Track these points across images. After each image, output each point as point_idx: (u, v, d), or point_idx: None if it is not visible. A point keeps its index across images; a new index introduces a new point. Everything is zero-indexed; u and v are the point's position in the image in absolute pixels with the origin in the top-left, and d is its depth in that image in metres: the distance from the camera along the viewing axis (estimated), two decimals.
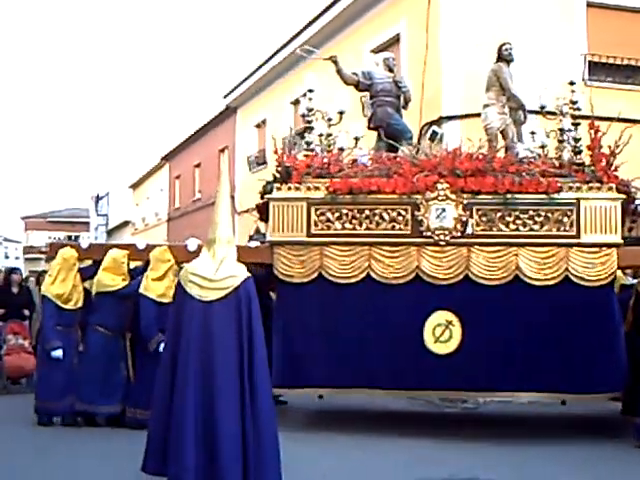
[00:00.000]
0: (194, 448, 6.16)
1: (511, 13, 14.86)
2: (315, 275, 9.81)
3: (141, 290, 9.77)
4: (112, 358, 9.93)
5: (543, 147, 10.45)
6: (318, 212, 9.88)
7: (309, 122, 10.67)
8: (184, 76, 75.28)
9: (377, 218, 9.80)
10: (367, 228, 9.81)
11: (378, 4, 17.47)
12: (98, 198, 53.47)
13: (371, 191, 9.76)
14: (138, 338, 9.85)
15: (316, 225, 9.88)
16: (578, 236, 9.55)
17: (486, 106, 10.85)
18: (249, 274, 6.63)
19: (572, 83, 10.51)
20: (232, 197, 27.04)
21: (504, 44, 11.00)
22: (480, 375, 9.53)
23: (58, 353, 9.86)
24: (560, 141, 10.36)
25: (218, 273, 6.52)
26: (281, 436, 6.49)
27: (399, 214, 9.77)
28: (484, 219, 9.67)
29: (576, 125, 10.26)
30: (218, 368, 6.31)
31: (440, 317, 9.60)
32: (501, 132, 10.81)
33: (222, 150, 29.46)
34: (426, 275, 9.65)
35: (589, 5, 15.37)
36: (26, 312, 13.72)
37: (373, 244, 9.75)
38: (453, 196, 9.65)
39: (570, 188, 9.62)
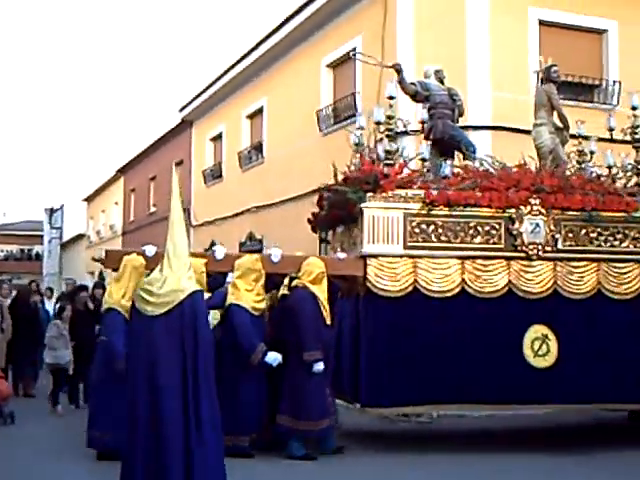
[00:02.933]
0: (142, 464, 6.13)
1: (466, 29, 14.97)
2: (410, 289, 9.53)
3: (233, 300, 9.14)
4: None
5: (610, 168, 10.87)
6: (414, 223, 9.63)
7: (390, 130, 10.26)
8: (140, 89, 75.05)
9: (472, 231, 9.73)
10: (462, 241, 9.71)
11: (335, 19, 17.54)
12: (52, 211, 52.86)
13: (467, 204, 9.68)
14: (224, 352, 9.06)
15: (411, 237, 9.62)
16: None
17: (537, 125, 11.02)
18: (198, 288, 6.53)
19: (634, 108, 10.92)
20: (187, 210, 27.06)
21: (552, 66, 11.20)
22: (578, 388, 9.59)
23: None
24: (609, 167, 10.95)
25: (163, 287, 6.39)
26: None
27: (493, 228, 9.80)
28: (570, 235, 9.97)
29: (638, 149, 10.79)
30: (162, 385, 6.22)
31: (537, 331, 9.68)
32: (550, 151, 10.95)
33: (178, 163, 29.30)
34: (518, 289, 9.72)
35: (541, 23, 15.56)
36: None
37: (467, 257, 9.68)
38: (544, 212, 9.85)
39: None
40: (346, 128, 12.17)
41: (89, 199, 46.64)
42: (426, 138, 10.99)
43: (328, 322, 9.15)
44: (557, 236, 9.89)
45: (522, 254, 9.76)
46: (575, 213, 9.97)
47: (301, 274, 9.33)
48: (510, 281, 9.71)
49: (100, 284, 15.42)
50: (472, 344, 9.49)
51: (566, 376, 9.58)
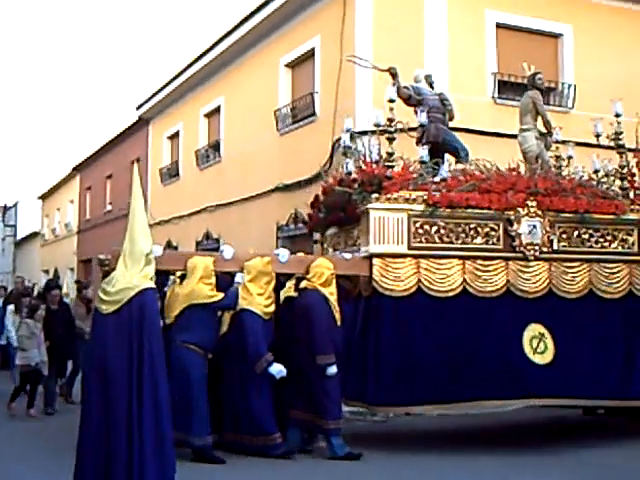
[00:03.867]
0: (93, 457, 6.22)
1: (424, 31, 15.06)
2: (414, 289, 9.65)
3: (245, 305, 9.12)
4: (202, 380, 8.87)
5: (597, 172, 11.21)
6: (417, 224, 9.78)
7: (391, 132, 10.30)
8: (96, 86, 74.41)
9: (472, 232, 9.96)
10: (463, 242, 9.92)
11: (294, 18, 17.53)
12: (6, 208, 52.34)
13: (469, 205, 9.88)
14: (234, 358, 9.17)
15: (415, 237, 9.76)
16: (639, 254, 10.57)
17: (524, 130, 11.23)
18: (150, 286, 6.51)
19: (617, 115, 11.13)
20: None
21: (537, 73, 11.40)
22: (574, 383, 9.80)
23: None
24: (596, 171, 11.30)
25: (115, 286, 6.45)
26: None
27: (492, 229, 10.04)
28: (564, 236, 10.31)
29: (621, 154, 11.06)
30: (110, 382, 6.27)
31: (534, 330, 9.89)
32: (536, 156, 11.16)
33: (134, 162, 29.10)
34: (516, 289, 9.96)
35: (498, 26, 15.70)
36: None
37: (468, 258, 9.87)
38: (541, 213, 10.14)
39: (632, 210, 10.62)
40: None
41: (44, 197, 46.13)
42: (419, 141, 11.10)
43: (339, 323, 9.22)
44: (552, 237, 10.21)
45: (520, 254, 10.03)
46: (569, 215, 10.29)
47: (311, 276, 9.36)
48: (508, 281, 9.95)
49: (55, 284, 15.15)
50: (474, 343, 9.63)
51: (564, 372, 9.79)
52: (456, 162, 11.02)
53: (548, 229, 10.16)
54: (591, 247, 10.39)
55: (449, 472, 8.62)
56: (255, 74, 19.44)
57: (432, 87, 11.63)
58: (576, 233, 10.35)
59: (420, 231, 9.76)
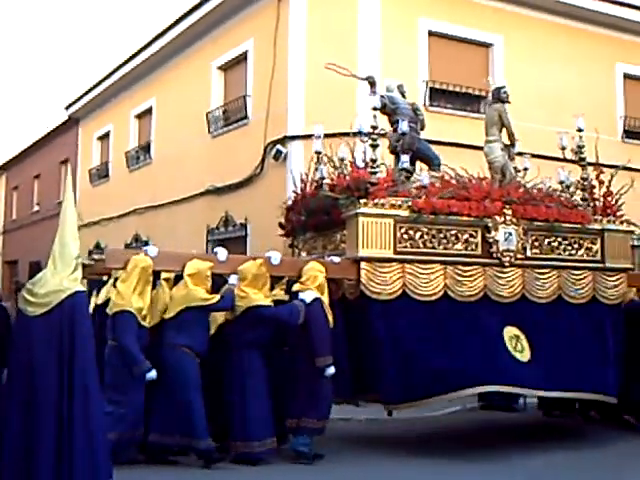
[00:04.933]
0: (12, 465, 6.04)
1: (357, 37, 15.12)
2: (399, 292, 9.80)
3: (259, 302, 9.05)
4: (199, 382, 8.76)
5: (561, 183, 11.53)
6: (402, 230, 9.94)
7: (374, 139, 10.37)
8: (24, 84, 73.07)
9: (453, 239, 10.18)
10: (444, 248, 10.12)
11: (227, 21, 17.47)
12: None
13: (451, 212, 10.09)
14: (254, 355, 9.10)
15: (400, 242, 9.91)
16: (603, 262, 11.02)
17: (489, 142, 11.40)
18: (81, 289, 6.36)
19: (580, 130, 11.62)
20: None
21: (502, 87, 11.64)
22: (556, 377, 10.12)
23: (153, 374, 8.51)
24: (561, 182, 11.60)
25: (43, 287, 6.28)
26: None
27: (471, 235, 10.27)
28: (536, 243, 10.65)
29: (583, 167, 11.54)
30: (37, 387, 6.10)
31: (510, 332, 10.16)
32: (501, 166, 11.36)
33: (63, 162, 28.68)
34: (493, 294, 10.24)
35: (431, 34, 15.85)
36: None
37: (449, 263, 10.07)
38: (516, 221, 10.44)
39: (595, 220, 11.03)
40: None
41: None
42: (395, 149, 11.21)
43: (331, 325, 9.35)
44: (526, 245, 10.55)
45: (496, 261, 10.31)
46: (540, 223, 10.62)
47: (305, 279, 9.44)
48: (486, 286, 10.22)
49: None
50: (460, 341, 9.78)
51: (540, 369, 10.09)
52: (429, 170, 11.21)
53: (522, 236, 10.50)
54: (560, 254, 10.78)
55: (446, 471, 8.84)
56: (187, 76, 19.32)
57: (404, 96, 11.79)
58: (547, 241, 10.72)
59: (405, 236, 9.95)
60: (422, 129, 11.66)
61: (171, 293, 9.07)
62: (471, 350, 9.72)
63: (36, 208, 31.63)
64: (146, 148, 21.68)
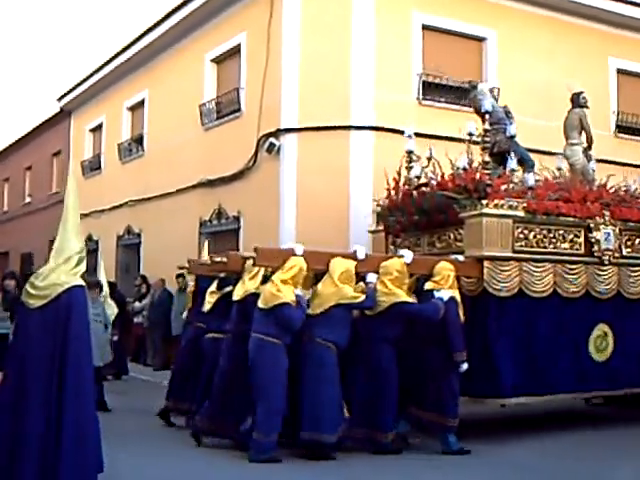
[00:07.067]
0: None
1: (351, 30, 15.10)
2: (516, 290, 10.35)
3: (406, 299, 9.43)
4: (338, 377, 9.09)
5: None
6: (519, 230, 10.54)
7: (485, 143, 11.29)
8: (15, 74, 72.78)
9: (560, 238, 10.87)
10: (554, 247, 10.80)
11: (220, 13, 17.42)
12: None
13: (560, 213, 10.77)
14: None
15: (517, 242, 10.51)
16: None
17: (572, 145, 12.32)
18: (78, 283, 6.41)
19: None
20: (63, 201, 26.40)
21: (581, 93, 12.55)
22: (628, 375, 11.11)
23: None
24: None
25: (44, 281, 6.37)
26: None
27: (575, 235, 10.97)
28: (629, 243, 11.45)
29: None
30: (27, 378, 6.15)
31: (601, 329, 11.02)
32: (582, 169, 12.24)
33: (55, 154, 28.61)
34: (593, 290, 10.96)
35: (425, 28, 15.82)
36: None
37: (557, 262, 10.71)
38: (613, 222, 11.18)
39: None
40: None
41: None
42: (491, 152, 11.66)
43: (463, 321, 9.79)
44: (621, 244, 11.31)
45: (597, 259, 11.01)
46: (632, 224, 11.43)
47: (439, 278, 9.82)
48: (588, 283, 10.91)
49: (11, 274, 14.44)
50: (559, 340, 10.58)
51: (617, 367, 11.02)
52: (523, 172, 11.63)
53: (619, 236, 11.23)
54: None
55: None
56: (180, 68, 19.28)
57: (496, 100, 12.12)
58: (638, 240, 11.51)
59: (521, 236, 10.55)
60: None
61: (317, 290, 9.40)
62: (566, 352, 10.61)
63: (28, 200, 31.54)
64: (139, 140, 21.62)
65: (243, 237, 16.03)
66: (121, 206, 21.90)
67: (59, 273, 6.38)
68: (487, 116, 11.63)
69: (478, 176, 10.69)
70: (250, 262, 9.59)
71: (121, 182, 22.17)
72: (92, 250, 23.68)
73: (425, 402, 9.57)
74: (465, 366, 9.44)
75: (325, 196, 14.35)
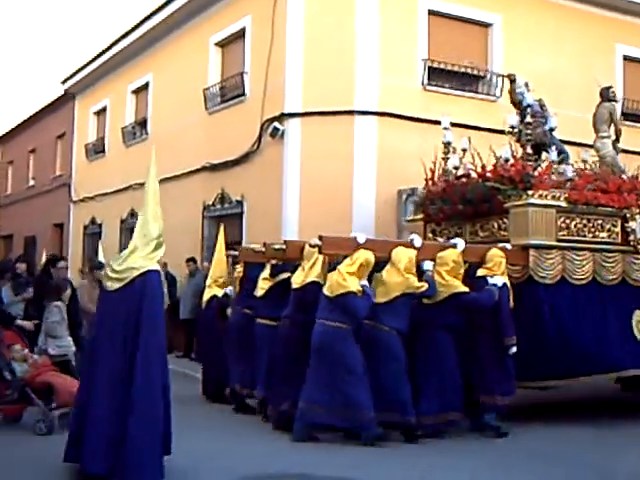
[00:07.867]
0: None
1: (356, 15, 15.04)
2: (559, 277, 10.65)
3: (463, 289, 9.73)
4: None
5: None
6: (561, 219, 10.85)
7: (529, 135, 11.48)
8: (20, 57, 72.66)
9: (599, 227, 11.17)
10: (593, 236, 11.10)
11: None
12: None
13: (599, 204, 11.06)
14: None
15: (560, 231, 10.82)
16: None
17: (603, 137, 12.46)
18: (154, 268, 6.71)
19: None
20: (67, 185, 26.44)
21: (609, 87, 12.68)
22: None
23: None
24: None
25: (122, 264, 6.70)
26: None
27: (612, 225, 11.25)
28: None
29: None
30: (98, 360, 6.48)
31: (638, 315, 11.17)
32: (612, 161, 12.35)
33: (59, 137, 28.60)
34: (630, 278, 11.19)
35: (430, 13, 15.76)
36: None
37: (596, 250, 11.00)
38: None
39: None
40: None
41: None
42: (527, 141, 11.75)
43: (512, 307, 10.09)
44: None
45: (632, 248, 11.23)
46: None
47: (491, 265, 10.10)
48: (624, 271, 11.14)
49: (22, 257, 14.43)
50: (601, 324, 10.79)
51: None
52: (559, 163, 11.77)
53: None
54: None
55: None
56: (185, 52, 19.23)
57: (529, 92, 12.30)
58: None
59: (563, 225, 10.85)
60: (546, 124, 12.24)
61: (381, 278, 9.54)
62: (612, 333, 10.80)
63: (31, 183, 31.53)
64: (142, 124, 21.60)
65: (246, 221, 16.02)
66: (125, 189, 21.87)
67: (136, 257, 6.69)
68: (529, 109, 11.82)
69: (523, 167, 10.91)
70: (309, 249, 9.72)
71: (125, 165, 22.13)
72: (95, 233, 23.72)
73: (484, 385, 9.81)
74: (514, 349, 9.73)
75: (328, 180, 14.34)
